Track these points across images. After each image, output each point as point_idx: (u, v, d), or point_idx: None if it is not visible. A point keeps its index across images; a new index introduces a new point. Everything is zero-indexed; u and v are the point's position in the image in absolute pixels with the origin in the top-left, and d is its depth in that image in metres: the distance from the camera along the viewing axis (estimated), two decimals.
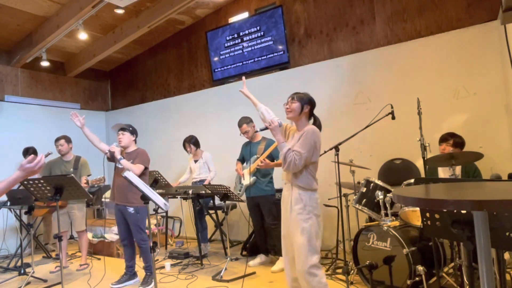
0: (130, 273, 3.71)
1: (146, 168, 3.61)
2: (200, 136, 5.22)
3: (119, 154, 3.51)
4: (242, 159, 4.27)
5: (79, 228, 4.36)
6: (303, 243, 2.39)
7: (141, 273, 3.78)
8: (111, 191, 3.69)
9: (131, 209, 3.51)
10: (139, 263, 3.81)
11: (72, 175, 3.21)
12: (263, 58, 5.30)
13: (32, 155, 1.85)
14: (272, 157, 3.90)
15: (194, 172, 4.97)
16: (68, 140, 4.46)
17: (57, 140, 4.43)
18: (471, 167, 3.30)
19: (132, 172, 2.81)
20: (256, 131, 2.60)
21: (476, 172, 3.28)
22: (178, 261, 4.43)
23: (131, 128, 3.72)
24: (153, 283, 3.56)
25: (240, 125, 4.10)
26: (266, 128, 2.50)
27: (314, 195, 2.47)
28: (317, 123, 2.64)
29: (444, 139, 3.45)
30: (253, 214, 4.12)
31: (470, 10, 3.96)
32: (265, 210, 3.98)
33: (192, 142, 4.88)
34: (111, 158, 3.58)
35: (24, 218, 4.81)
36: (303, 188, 2.45)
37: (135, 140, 3.74)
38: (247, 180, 4.04)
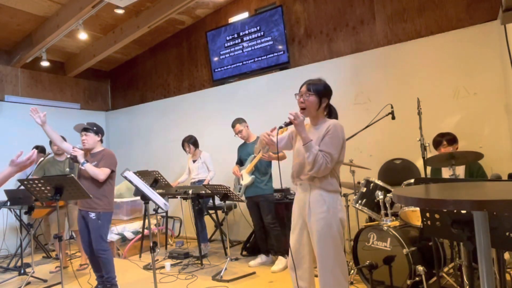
0: (103, 284, 3.38)
1: (113, 171, 3.36)
2: (200, 136, 5.22)
3: (83, 158, 3.25)
4: (240, 162, 4.27)
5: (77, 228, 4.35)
6: (329, 251, 2.04)
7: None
8: None
9: (92, 215, 3.25)
10: (137, 263, 3.81)
11: (72, 175, 3.21)
12: (263, 58, 5.30)
13: (21, 150, 1.91)
14: None
15: (192, 172, 4.97)
16: (65, 141, 4.44)
17: None
18: (475, 166, 3.30)
19: (132, 173, 2.81)
20: (281, 127, 2.16)
21: (480, 171, 3.28)
22: (178, 261, 4.43)
23: (95, 128, 3.40)
24: None
25: (233, 125, 4.18)
26: (290, 123, 2.10)
27: (338, 197, 2.14)
28: (333, 116, 2.25)
29: (438, 142, 3.41)
30: (253, 213, 4.13)
31: (470, 10, 3.96)
32: (264, 209, 3.98)
33: (191, 142, 4.88)
34: (75, 159, 3.32)
35: (24, 218, 4.82)
36: (327, 190, 2.11)
37: (101, 140, 3.45)
38: (246, 180, 4.05)
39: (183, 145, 4.95)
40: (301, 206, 2.18)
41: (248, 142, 4.22)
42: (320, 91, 2.14)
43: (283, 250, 3.92)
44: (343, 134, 2.10)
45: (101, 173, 3.25)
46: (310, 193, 2.13)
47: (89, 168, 3.22)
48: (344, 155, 2.16)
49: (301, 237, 2.19)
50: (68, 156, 3.36)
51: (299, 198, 2.21)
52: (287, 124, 2.13)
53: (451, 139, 3.40)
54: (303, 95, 2.15)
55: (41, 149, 5.20)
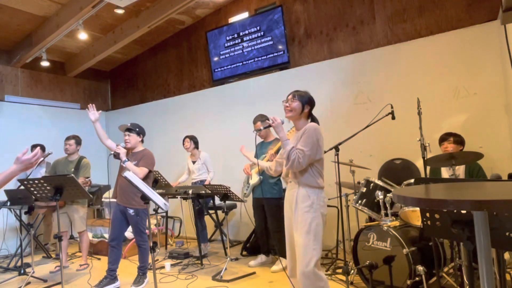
0: (111, 277, 3.54)
1: (150, 171, 3.56)
2: (200, 136, 5.23)
3: (124, 156, 3.45)
4: None
5: (80, 229, 4.35)
6: (308, 242, 2.29)
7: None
8: (114, 189, 3.67)
9: (131, 211, 3.49)
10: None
11: (72, 175, 3.21)
12: (263, 58, 5.30)
13: (27, 147, 1.95)
14: None
15: (193, 173, 4.97)
16: (78, 141, 4.48)
17: (67, 138, 4.45)
18: (475, 167, 3.30)
19: (133, 174, 2.81)
20: (259, 130, 2.60)
21: (480, 172, 3.28)
22: (178, 261, 4.43)
23: (137, 129, 3.63)
24: (145, 283, 3.58)
25: (254, 122, 4.06)
26: (269, 126, 2.45)
27: (321, 194, 2.40)
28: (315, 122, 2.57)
29: (443, 138, 3.47)
30: (257, 215, 4.08)
31: (470, 10, 3.96)
32: (269, 213, 3.90)
33: (192, 139, 4.94)
34: (118, 156, 3.52)
35: (24, 218, 4.82)
36: (311, 186, 2.38)
37: (142, 140, 3.68)
38: (254, 179, 4.02)
39: (183, 140, 4.95)
40: (290, 202, 2.45)
41: (265, 142, 4.09)
42: (304, 99, 2.50)
43: (285, 252, 3.90)
44: (318, 135, 2.38)
45: (140, 172, 3.44)
46: (298, 190, 2.41)
47: (130, 166, 3.42)
48: (321, 154, 2.41)
49: (291, 233, 2.46)
50: (112, 153, 3.56)
51: (288, 194, 2.49)
52: (265, 127, 2.55)
53: (460, 141, 3.40)
54: (289, 100, 2.52)
55: (41, 148, 5.23)
